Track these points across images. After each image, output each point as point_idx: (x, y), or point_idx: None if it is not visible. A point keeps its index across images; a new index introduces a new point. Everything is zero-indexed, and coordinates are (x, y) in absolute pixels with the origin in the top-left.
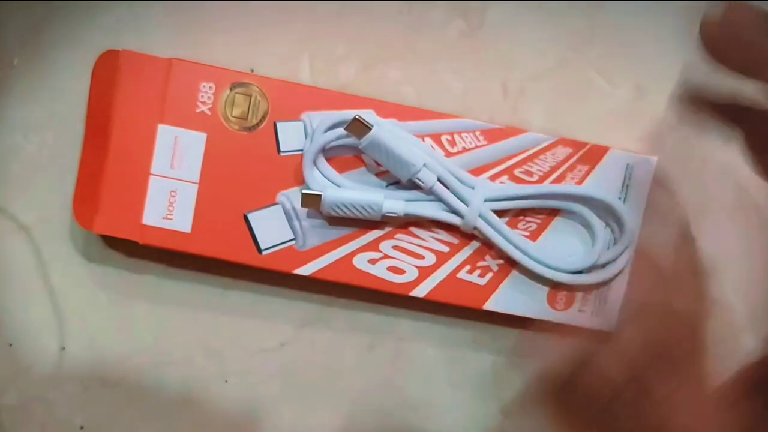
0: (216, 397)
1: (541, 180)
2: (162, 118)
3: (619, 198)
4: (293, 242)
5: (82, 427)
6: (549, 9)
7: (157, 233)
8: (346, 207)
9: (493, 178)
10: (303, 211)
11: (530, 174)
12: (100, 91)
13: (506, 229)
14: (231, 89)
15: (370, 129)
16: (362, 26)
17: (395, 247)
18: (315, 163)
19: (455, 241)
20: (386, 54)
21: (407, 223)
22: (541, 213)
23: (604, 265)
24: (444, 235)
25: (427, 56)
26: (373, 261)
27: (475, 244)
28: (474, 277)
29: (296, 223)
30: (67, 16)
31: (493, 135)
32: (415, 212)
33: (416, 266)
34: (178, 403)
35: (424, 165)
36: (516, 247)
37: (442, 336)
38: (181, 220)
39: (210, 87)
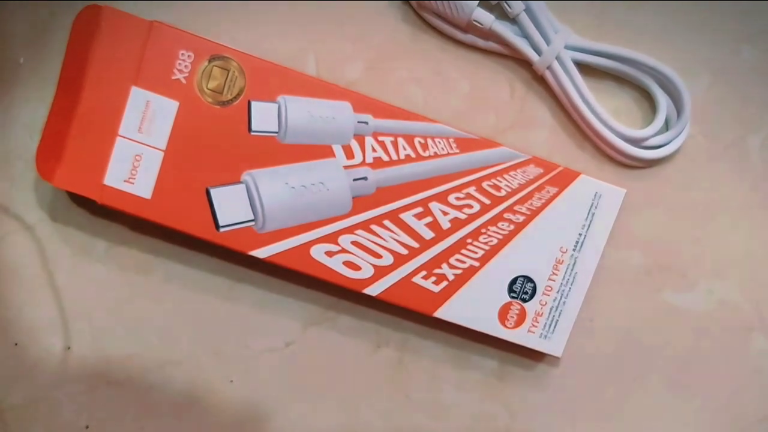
0: (221, 397)
1: (508, 196)
2: (136, 81)
3: (583, 226)
4: (252, 223)
5: (87, 427)
6: (555, 6)
7: (116, 195)
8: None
9: (460, 188)
10: (266, 194)
11: (498, 189)
12: (78, 45)
13: (580, 79)
14: (209, 61)
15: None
16: (368, 25)
17: (354, 243)
18: None
19: (416, 245)
20: (392, 53)
21: (377, 218)
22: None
23: (659, 147)
24: (405, 237)
25: (433, 55)
26: (330, 253)
27: (435, 250)
28: (428, 284)
29: (258, 205)
30: (73, 14)
31: (466, 144)
32: (499, 31)
33: (373, 264)
34: (183, 402)
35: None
36: (585, 101)
37: (448, 336)
38: (143, 186)
39: (189, 56)
